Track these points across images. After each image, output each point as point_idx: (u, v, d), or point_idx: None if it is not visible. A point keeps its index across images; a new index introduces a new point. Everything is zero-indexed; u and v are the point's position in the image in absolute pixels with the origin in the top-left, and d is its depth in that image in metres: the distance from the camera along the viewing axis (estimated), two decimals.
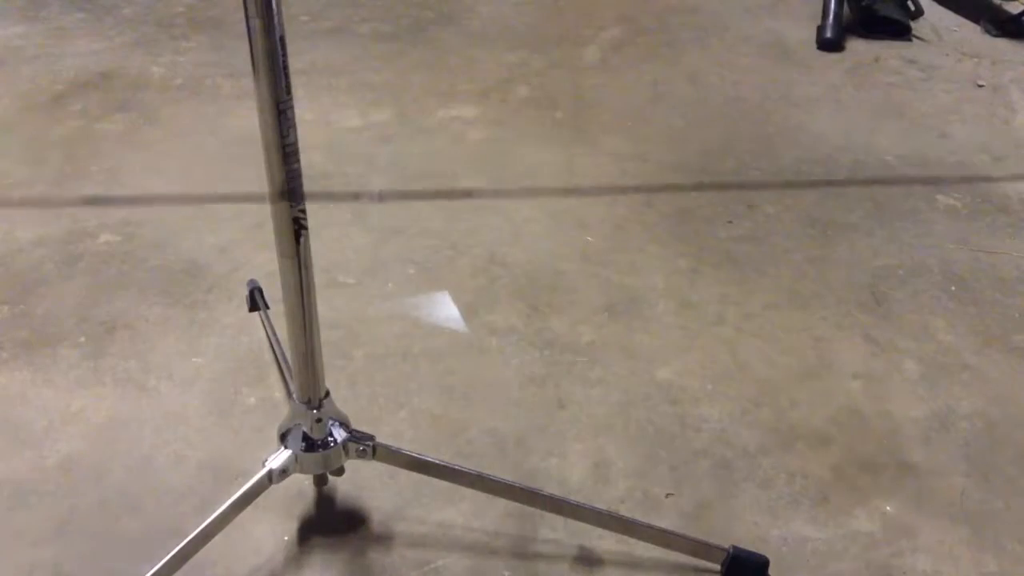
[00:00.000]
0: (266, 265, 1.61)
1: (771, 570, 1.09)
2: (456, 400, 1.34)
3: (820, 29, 2.81)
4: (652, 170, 2.02)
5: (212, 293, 1.56)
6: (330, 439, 1.03)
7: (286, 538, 1.12)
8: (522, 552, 1.10)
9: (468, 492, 1.15)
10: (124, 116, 2.20)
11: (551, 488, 1.18)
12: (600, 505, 1.16)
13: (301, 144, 0.86)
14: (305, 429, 1.03)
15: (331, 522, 1.14)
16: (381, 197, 0.99)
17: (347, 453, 1.05)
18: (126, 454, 1.23)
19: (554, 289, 1.59)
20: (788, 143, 2.17)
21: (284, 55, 0.80)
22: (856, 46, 2.80)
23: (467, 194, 1.91)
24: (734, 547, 1.08)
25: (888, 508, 1.19)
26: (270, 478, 1.01)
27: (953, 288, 1.63)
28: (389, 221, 1.79)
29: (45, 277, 1.59)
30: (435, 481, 1.15)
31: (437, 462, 1.10)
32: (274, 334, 1.36)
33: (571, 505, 1.11)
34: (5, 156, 1.99)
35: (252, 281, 1.48)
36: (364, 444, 1.05)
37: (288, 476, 1.03)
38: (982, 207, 1.91)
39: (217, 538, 1.01)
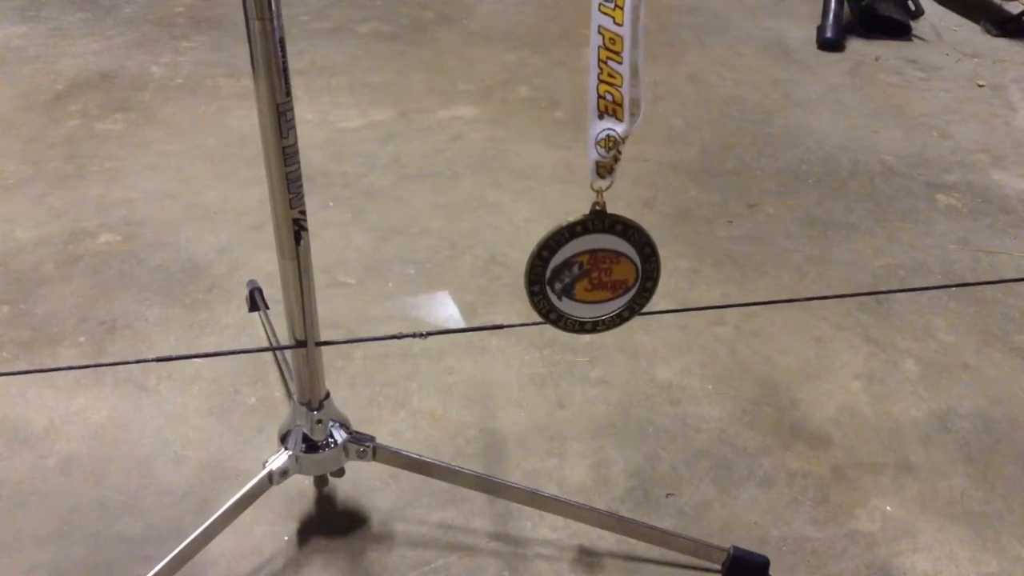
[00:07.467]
0: (266, 265, 1.61)
1: (771, 570, 1.09)
2: (456, 400, 1.34)
3: (820, 29, 2.81)
4: (652, 170, 2.02)
5: (212, 293, 1.56)
6: (330, 440, 1.03)
7: (286, 538, 1.12)
8: (522, 552, 1.11)
9: (468, 492, 1.15)
10: (124, 116, 2.20)
11: (551, 488, 1.18)
12: (600, 505, 1.16)
13: (301, 144, 0.86)
14: (305, 430, 1.03)
15: (331, 522, 1.14)
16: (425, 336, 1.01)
17: (347, 454, 1.05)
18: (126, 454, 1.23)
19: None
20: (788, 143, 2.17)
21: (284, 57, 0.80)
22: (856, 46, 2.80)
23: (467, 194, 1.91)
24: (734, 547, 1.08)
25: (888, 508, 1.19)
26: (270, 479, 1.01)
27: (953, 288, 1.63)
28: (389, 221, 1.79)
29: (45, 277, 1.59)
30: (435, 482, 1.15)
31: (437, 463, 1.10)
32: (274, 334, 1.36)
33: (571, 505, 1.11)
34: (5, 156, 1.99)
35: (252, 281, 1.48)
36: (364, 445, 1.05)
37: (288, 477, 1.03)
38: (982, 207, 1.91)
39: (217, 538, 1.01)
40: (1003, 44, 2.85)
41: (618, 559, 1.10)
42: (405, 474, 1.16)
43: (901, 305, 1.58)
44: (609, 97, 0.69)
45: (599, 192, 0.74)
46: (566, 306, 0.81)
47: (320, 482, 1.15)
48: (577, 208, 0.77)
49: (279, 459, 1.02)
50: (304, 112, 2.23)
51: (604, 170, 0.72)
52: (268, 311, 1.42)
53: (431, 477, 1.13)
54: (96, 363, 1.38)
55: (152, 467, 1.21)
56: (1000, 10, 3.00)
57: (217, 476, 1.20)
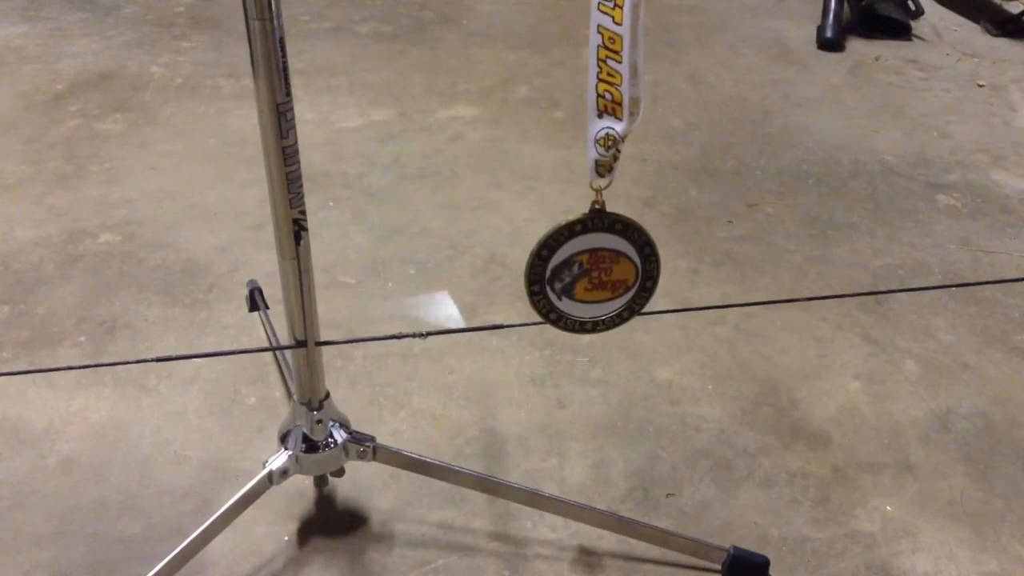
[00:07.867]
0: (266, 265, 1.61)
1: (771, 570, 1.09)
2: (456, 400, 1.34)
3: (820, 29, 2.81)
4: (652, 170, 2.02)
5: (212, 293, 1.56)
6: (330, 440, 1.03)
7: (286, 538, 1.12)
8: (522, 552, 1.11)
9: (468, 492, 1.15)
10: (124, 116, 2.20)
11: (551, 488, 1.18)
12: (600, 505, 1.16)
13: (301, 144, 0.86)
14: (305, 430, 1.03)
15: (331, 522, 1.14)
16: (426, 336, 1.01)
17: (347, 454, 1.05)
18: (126, 454, 1.23)
19: None
20: (788, 143, 2.17)
21: (284, 56, 0.80)
22: (856, 46, 2.80)
23: (467, 194, 1.91)
24: (734, 547, 1.08)
25: (888, 508, 1.19)
26: (270, 479, 1.01)
27: (953, 288, 1.63)
28: (389, 221, 1.79)
29: (45, 277, 1.59)
30: (435, 482, 1.15)
31: (437, 463, 1.10)
32: (274, 334, 1.36)
33: (571, 505, 1.11)
34: (5, 156, 1.99)
35: (252, 281, 1.48)
36: (364, 445, 1.05)
37: (288, 477, 1.03)
38: (982, 207, 1.91)
39: (217, 538, 1.01)
40: (1003, 44, 2.85)
41: (618, 559, 1.10)
42: (405, 474, 1.16)
43: (901, 305, 1.58)
44: (608, 96, 0.69)
45: (598, 191, 0.74)
46: (566, 306, 0.81)
47: (320, 482, 1.15)
48: (577, 207, 0.77)
49: (279, 459, 1.02)
50: (304, 112, 2.23)
51: (603, 169, 0.72)
52: (268, 311, 1.42)
53: (431, 477, 1.13)
54: (96, 363, 1.38)
55: (152, 467, 1.21)
56: (1000, 10, 3.00)
57: (217, 476, 1.20)
